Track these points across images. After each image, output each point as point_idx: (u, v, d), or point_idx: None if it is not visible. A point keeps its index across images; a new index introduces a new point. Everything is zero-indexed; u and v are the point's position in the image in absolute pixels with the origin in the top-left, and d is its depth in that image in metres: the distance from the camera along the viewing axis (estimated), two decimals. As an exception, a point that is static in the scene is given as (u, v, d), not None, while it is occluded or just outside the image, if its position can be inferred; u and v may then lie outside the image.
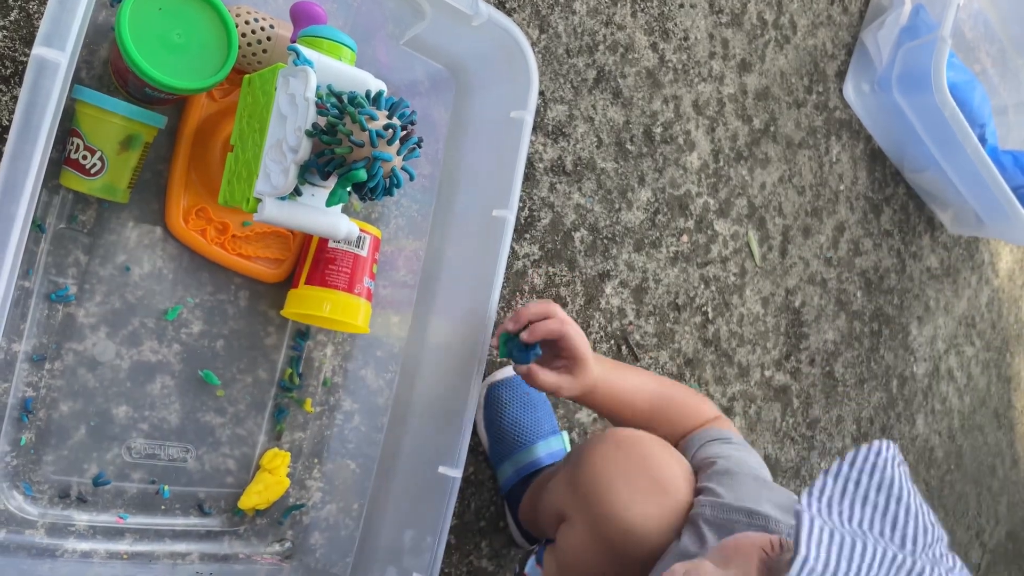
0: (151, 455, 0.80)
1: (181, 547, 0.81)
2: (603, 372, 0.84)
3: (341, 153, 0.60)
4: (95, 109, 0.69)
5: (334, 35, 0.70)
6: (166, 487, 0.80)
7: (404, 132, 0.62)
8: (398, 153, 0.62)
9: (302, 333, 0.88)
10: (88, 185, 0.71)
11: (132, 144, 0.71)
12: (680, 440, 0.85)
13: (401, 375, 0.92)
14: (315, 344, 0.89)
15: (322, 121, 0.62)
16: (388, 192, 0.64)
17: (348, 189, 0.63)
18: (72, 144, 0.71)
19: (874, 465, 0.53)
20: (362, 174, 0.60)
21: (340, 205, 0.70)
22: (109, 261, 0.77)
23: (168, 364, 0.80)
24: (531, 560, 0.89)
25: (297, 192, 0.66)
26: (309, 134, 0.61)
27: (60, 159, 0.72)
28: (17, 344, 0.73)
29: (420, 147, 0.64)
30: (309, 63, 0.63)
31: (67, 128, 0.71)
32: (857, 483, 0.53)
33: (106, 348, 0.77)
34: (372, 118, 0.60)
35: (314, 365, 0.89)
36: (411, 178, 0.65)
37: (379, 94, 0.62)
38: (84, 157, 0.70)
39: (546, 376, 0.81)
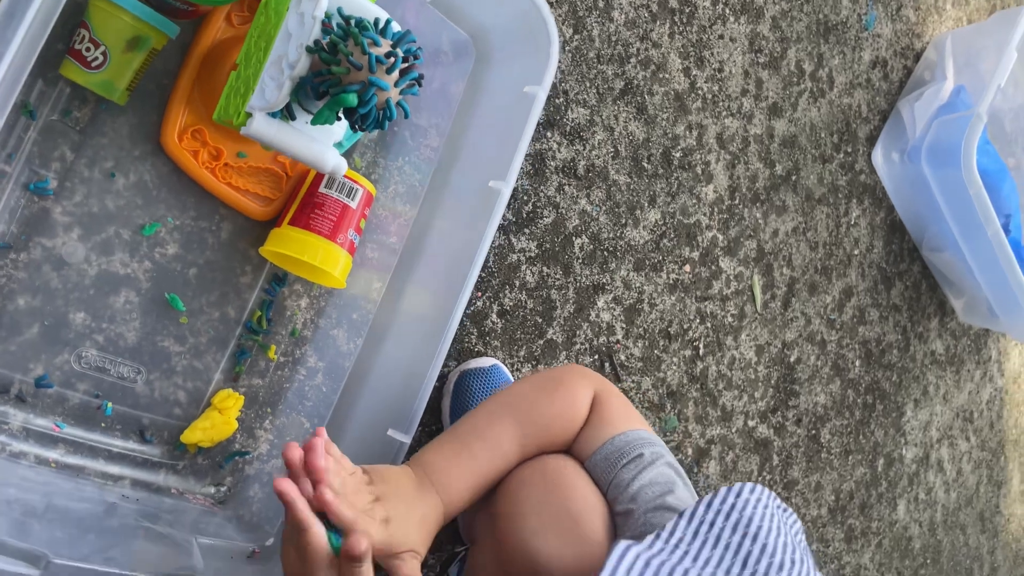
0: (101, 368, 0.78)
1: (114, 469, 0.79)
2: (429, 457, 0.71)
3: (338, 72, 0.59)
4: (107, 3, 0.68)
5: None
6: (110, 404, 0.78)
7: (406, 65, 0.61)
8: (396, 85, 0.61)
9: (279, 279, 0.86)
10: (86, 78, 0.70)
11: (139, 46, 0.71)
12: (578, 454, 0.74)
13: (368, 337, 0.90)
14: (290, 292, 0.87)
15: (326, 42, 0.61)
16: (380, 125, 0.62)
17: (338, 113, 0.61)
18: (78, 35, 0.70)
19: (732, 506, 0.58)
20: (352, 99, 0.59)
21: (333, 139, 0.68)
22: (96, 164, 0.76)
23: (136, 280, 0.78)
24: (454, 566, 0.86)
25: (290, 115, 0.64)
26: (310, 50, 0.60)
27: (65, 51, 0.71)
28: (-15, 226, 0.71)
29: (420, 84, 0.63)
30: (325, -14, 0.62)
31: (78, 20, 0.71)
32: (712, 524, 0.57)
33: (76, 250, 0.75)
34: (375, 44, 0.59)
35: (285, 314, 0.87)
36: (406, 115, 0.63)
37: (387, 23, 0.61)
38: (87, 49, 0.69)
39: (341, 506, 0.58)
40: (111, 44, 0.69)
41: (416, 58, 0.62)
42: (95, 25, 0.69)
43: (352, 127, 0.62)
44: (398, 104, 0.62)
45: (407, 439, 0.76)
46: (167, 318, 0.80)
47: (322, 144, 0.66)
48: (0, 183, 0.71)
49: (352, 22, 0.61)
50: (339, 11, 0.62)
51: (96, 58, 0.69)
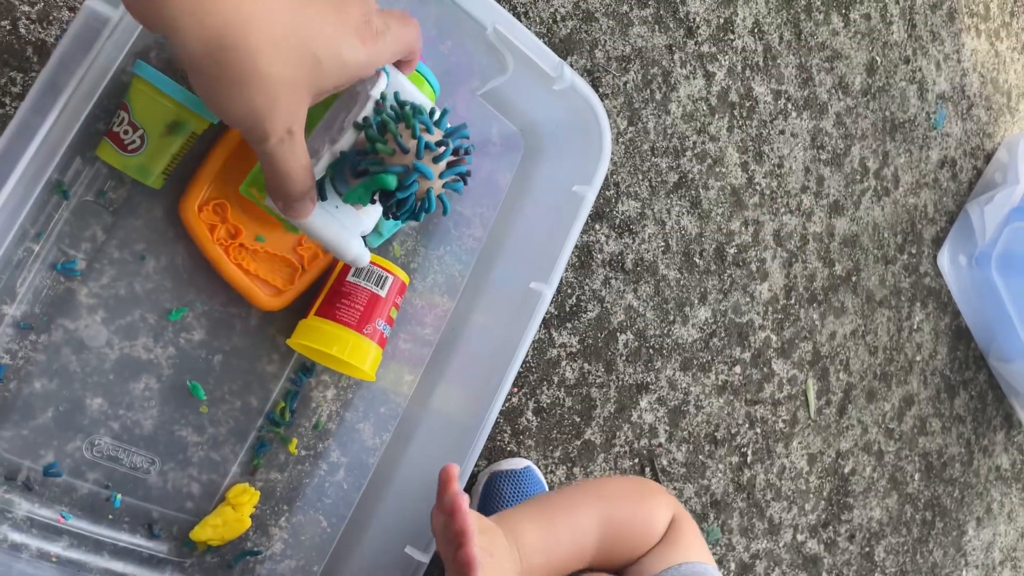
0: (113, 458, 0.74)
1: (118, 566, 0.74)
2: (523, 528, 0.68)
3: (382, 152, 0.55)
4: (149, 87, 0.67)
5: (421, 69, 0.68)
6: (119, 495, 0.74)
7: (454, 158, 0.58)
8: (440, 176, 0.57)
9: (307, 369, 0.82)
10: (122, 161, 0.68)
11: (178, 130, 0.69)
12: (637, 573, 0.72)
13: (395, 433, 0.85)
14: (317, 383, 0.83)
15: (376, 122, 0.58)
16: (415, 216, 0.59)
17: (372, 195, 0.58)
18: (118, 117, 0.68)
19: None
20: (392, 180, 0.55)
21: (361, 229, 0.65)
22: (127, 246, 0.73)
23: (158, 366, 0.75)
24: None
25: (321, 196, 0.61)
26: (357, 126, 0.57)
27: (104, 131, 0.70)
28: (7, 307, 0.69)
29: (466, 182, 0.59)
30: (386, 72, 0.59)
31: (118, 102, 0.69)
32: None
33: (98, 333, 0.73)
34: (428, 130, 0.56)
35: (310, 405, 0.83)
36: (444, 211, 0.60)
37: (443, 114, 0.58)
38: (126, 132, 0.67)
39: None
40: (150, 128, 0.67)
41: (467, 154, 0.58)
42: (135, 108, 0.67)
43: (385, 214, 0.59)
44: (438, 197, 0.59)
45: (426, 558, 0.70)
46: (187, 406, 0.77)
47: (347, 232, 0.63)
48: (26, 263, 0.69)
49: (407, 107, 0.58)
50: (395, 95, 0.59)
51: (133, 141, 0.67)
